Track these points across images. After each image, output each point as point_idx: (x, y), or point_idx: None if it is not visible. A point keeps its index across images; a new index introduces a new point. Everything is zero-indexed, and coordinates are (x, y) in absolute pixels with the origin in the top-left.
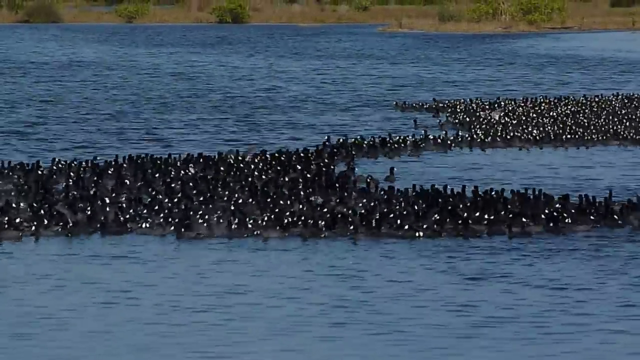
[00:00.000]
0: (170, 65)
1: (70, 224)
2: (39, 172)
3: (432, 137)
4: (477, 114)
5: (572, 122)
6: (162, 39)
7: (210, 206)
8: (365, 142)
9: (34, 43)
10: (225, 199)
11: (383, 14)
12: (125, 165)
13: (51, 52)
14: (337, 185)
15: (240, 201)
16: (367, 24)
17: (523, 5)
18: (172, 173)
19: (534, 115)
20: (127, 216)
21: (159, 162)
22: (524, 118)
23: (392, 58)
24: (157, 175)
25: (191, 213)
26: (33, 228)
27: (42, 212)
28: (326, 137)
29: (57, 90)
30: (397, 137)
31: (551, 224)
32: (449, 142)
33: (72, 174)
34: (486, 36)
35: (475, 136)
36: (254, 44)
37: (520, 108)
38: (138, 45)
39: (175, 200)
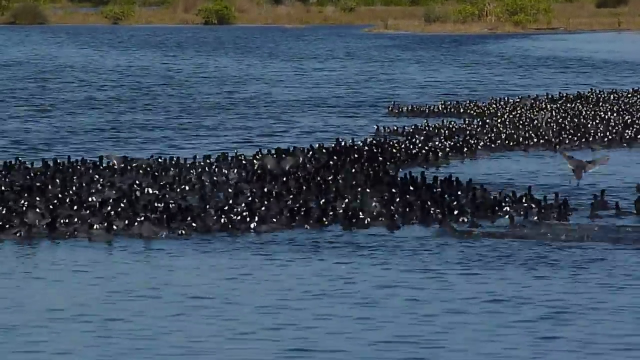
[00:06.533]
0: (159, 66)
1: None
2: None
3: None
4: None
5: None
6: (151, 40)
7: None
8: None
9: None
10: None
11: (369, 15)
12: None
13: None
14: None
15: None
16: (353, 24)
17: (509, 6)
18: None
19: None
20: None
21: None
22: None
23: (380, 59)
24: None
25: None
26: None
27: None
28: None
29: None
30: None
31: None
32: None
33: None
34: (472, 37)
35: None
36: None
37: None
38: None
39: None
